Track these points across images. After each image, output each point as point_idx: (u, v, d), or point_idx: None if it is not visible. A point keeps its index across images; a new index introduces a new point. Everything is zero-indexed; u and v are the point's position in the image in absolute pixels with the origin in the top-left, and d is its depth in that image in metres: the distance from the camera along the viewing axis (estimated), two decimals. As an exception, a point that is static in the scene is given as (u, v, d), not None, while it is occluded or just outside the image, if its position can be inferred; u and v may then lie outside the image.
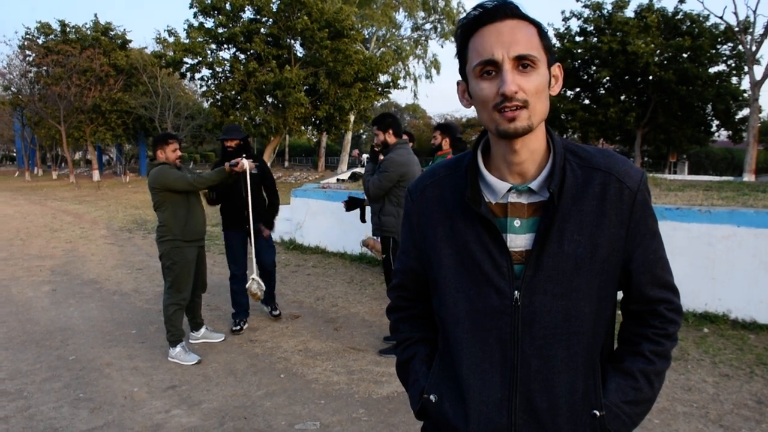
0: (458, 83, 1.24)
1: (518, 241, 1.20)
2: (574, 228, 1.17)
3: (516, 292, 1.18)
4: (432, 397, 1.33)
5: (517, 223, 1.20)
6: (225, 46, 25.81)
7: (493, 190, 1.22)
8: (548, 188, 1.17)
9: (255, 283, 5.25)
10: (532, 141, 1.18)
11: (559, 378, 1.20)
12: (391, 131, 4.88)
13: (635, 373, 1.25)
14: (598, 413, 1.21)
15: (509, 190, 1.21)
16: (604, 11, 29.53)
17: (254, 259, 5.56)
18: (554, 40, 31.75)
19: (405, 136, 5.38)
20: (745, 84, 27.08)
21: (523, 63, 1.10)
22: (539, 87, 1.11)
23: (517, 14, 1.12)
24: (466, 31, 1.16)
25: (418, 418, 1.41)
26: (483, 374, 1.23)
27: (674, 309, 1.28)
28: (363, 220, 5.77)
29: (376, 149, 5.04)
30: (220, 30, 24.87)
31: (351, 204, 5.59)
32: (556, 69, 1.20)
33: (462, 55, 1.19)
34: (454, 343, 1.27)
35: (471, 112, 54.43)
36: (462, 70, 1.21)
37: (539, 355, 1.19)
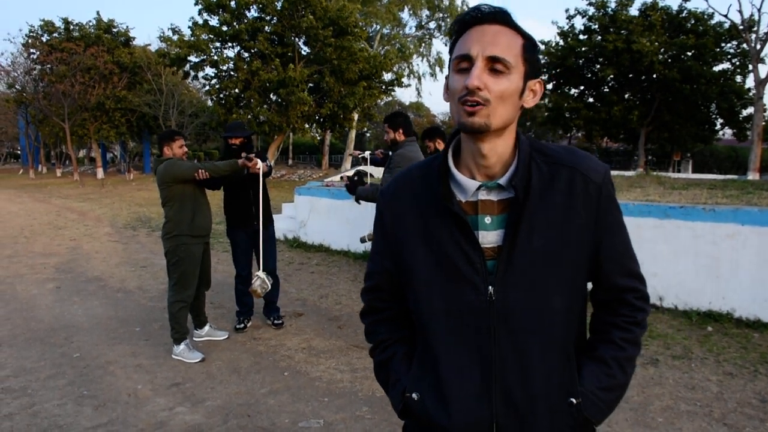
0: (446, 78, 1.28)
1: (489, 237, 1.23)
2: (543, 223, 1.21)
3: (490, 287, 1.21)
4: (414, 395, 1.34)
5: (487, 219, 1.24)
6: (229, 44, 25.80)
7: (463, 189, 1.26)
8: (515, 184, 1.20)
9: (259, 280, 5.20)
10: (500, 145, 1.23)
11: (536, 370, 1.23)
12: (401, 130, 4.94)
13: (608, 360, 1.29)
14: (574, 401, 1.25)
15: (479, 188, 1.24)
16: (609, 9, 29.45)
17: (261, 260, 5.49)
18: (558, 39, 31.70)
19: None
20: (750, 82, 27.01)
21: (495, 66, 1.15)
22: (506, 92, 1.16)
23: (507, 22, 1.19)
24: (458, 31, 1.22)
25: (401, 418, 1.42)
26: (462, 370, 1.26)
27: (642, 297, 1.33)
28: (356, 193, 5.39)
29: (380, 155, 5.01)
30: (225, 28, 24.86)
31: (352, 186, 5.30)
32: (536, 84, 1.24)
33: (452, 51, 1.24)
34: (432, 340, 1.30)
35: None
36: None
37: (515, 348, 1.22)
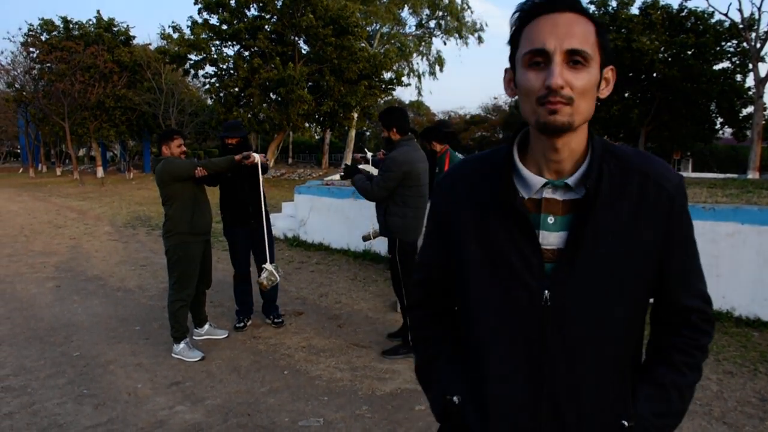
0: (506, 71, 1.20)
1: (551, 238, 1.16)
2: (610, 229, 1.13)
3: (546, 291, 1.14)
4: (455, 398, 1.29)
5: (550, 219, 1.16)
6: (229, 42, 25.82)
7: (527, 185, 1.18)
8: (585, 185, 1.13)
9: (267, 272, 5.16)
10: (574, 140, 1.14)
11: (588, 383, 1.16)
12: (394, 129, 4.66)
13: (666, 385, 1.21)
14: (627, 424, 1.17)
15: (544, 186, 1.17)
16: (609, 8, 29.45)
17: (267, 255, 5.38)
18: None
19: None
20: (750, 81, 26.98)
21: (574, 58, 1.06)
22: (587, 86, 1.07)
23: (578, 8, 1.08)
24: (523, 18, 1.12)
25: (439, 421, 1.36)
26: (508, 377, 1.19)
27: (707, 320, 1.24)
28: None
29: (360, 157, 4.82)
30: (225, 27, 24.88)
31: (348, 173, 5.26)
32: (609, 71, 1.15)
33: (514, 41, 1.15)
34: (479, 342, 1.24)
35: (474, 110, 54.17)
36: (511, 58, 1.17)
37: (568, 358, 1.15)
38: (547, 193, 1.17)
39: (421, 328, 1.44)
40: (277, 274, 5.20)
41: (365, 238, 5.80)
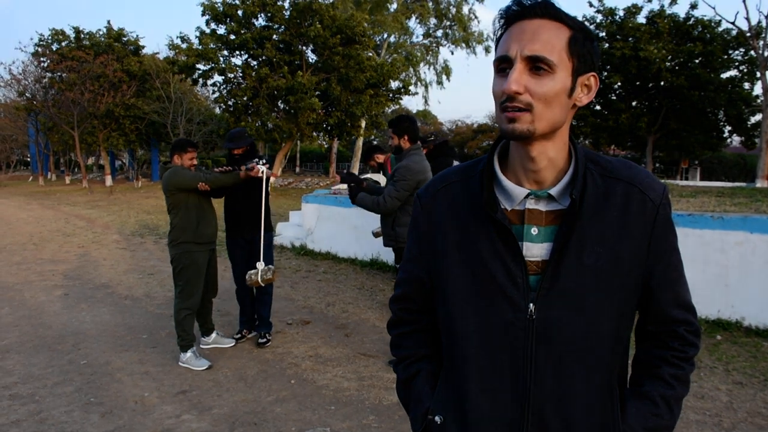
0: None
1: (535, 250, 1.14)
2: (595, 239, 1.11)
3: (531, 304, 1.12)
4: (437, 418, 1.25)
5: (534, 230, 1.14)
6: (237, 52, 25.95)
7: (509, 196, 1.16)
8: (570, 195, 1.11)
9: (254, 270, 5.14)
10: (551, 149, 1.13)
11: (576, 398, 1.13)
12: (407, 137, 4.66)
13: (655, 398, 1.19)
14: None
15: (527, 196, 1.15)
16: (616, 17, 29.47)
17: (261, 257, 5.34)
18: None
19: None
20: (758, 89, 26.88)
21: (536, 65, 1.04)
22: (550, 93, 1.05)
23: (552, 14, 1.07)
24: (502, 25, 1.12)
25: None
26: (493, 392, 1.16)
27: (694, 331, 1.23)
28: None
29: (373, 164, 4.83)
30: (232, 36, 25.01)
31: (351, 185, 5.26)
32: (590, 78, 1.12)
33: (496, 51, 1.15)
34: (462, 358, 1.20)
35: (481, 119, 54.21)
36: None
37: (554, 373, 1.12)
38: (530, 204, 1.15)
39: (401, 346, 1.41)
40: (261, 275, 5.10)
41: (376, 234, 5.78)
